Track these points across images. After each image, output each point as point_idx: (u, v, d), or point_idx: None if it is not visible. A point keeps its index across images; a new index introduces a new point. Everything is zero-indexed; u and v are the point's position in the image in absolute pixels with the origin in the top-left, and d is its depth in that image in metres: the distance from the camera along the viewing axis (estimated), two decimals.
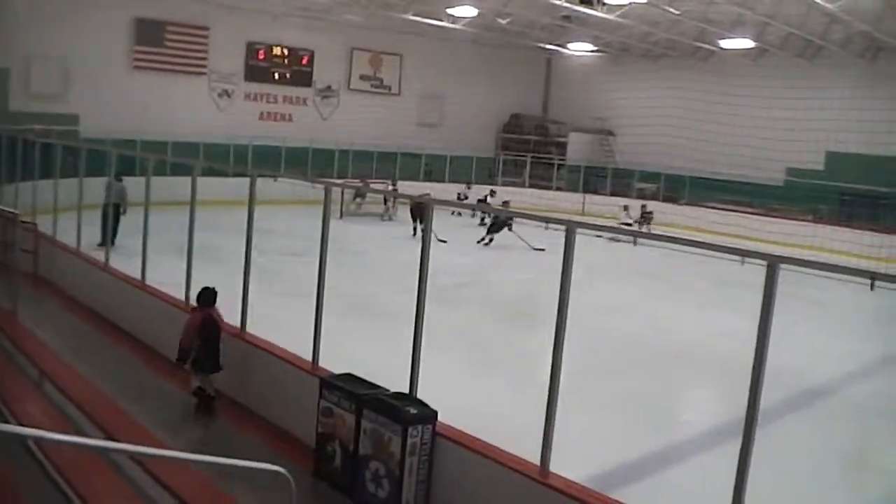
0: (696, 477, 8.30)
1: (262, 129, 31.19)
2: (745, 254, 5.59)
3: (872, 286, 13.28)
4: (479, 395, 9.59)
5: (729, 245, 5.92)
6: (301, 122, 33.06)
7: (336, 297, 8.26)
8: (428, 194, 20.65)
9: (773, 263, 4.85)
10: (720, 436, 9.15)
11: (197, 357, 8.82)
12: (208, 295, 9.02)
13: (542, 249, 19.73)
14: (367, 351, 9.73)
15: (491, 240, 22.89)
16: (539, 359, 5.96)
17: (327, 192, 8.22)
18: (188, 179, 10.49)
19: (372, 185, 26.11)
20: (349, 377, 7.49)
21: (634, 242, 15.68)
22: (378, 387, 7.22)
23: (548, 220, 7.06)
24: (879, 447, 9.96)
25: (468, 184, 30.53)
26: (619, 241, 21.07)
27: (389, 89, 36.12)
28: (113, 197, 16.26)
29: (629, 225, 26.68)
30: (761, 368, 4.94)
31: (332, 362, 8.08)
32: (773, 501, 7.35)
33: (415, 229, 23.12)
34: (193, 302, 9.41)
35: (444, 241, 19.42)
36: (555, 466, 5.95)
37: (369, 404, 6.91)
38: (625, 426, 9.52)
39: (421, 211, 22.78)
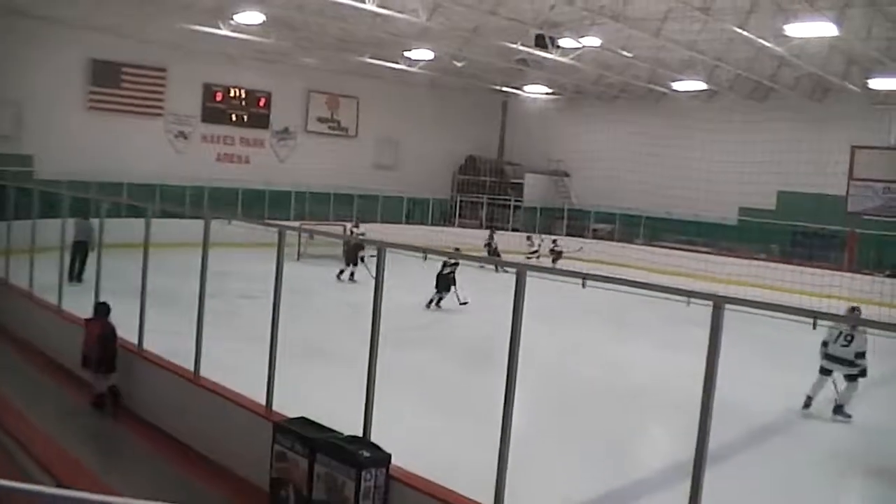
0: None
1: (219, 171, 31.19)
2: (691, 294, 5.69)
3: (814, 325, 13.43)
4: (434, 437, 9.59)
5: (679, 286, 6.03)
6: (258, 163, 33.05)
7: (290, 340, 8.23)
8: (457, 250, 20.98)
9: (718, 304, 4.96)
10: (679, 473, 9.20)
11: (98, 359, 10.18)
12: (104, 308, 10.60)
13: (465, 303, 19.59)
14: (321, 394, 9.69)
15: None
16: (496, 401, 5.97)
17: (281, 236, 8.24)
18: (143, 222, 10.45)
19: (329, 228, 26.17)
20: (303, 421, 7.46)
21: (583, 284, 15.80)
22: (332, 430, 7.20)
23: (499, 263, 7.13)
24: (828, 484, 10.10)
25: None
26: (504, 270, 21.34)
27: (346, 131, 36.32)
28: (81, 235, 17.11)
29: (534, 253, 28.42)
30: (709, 406, 5.02)
31: (287, 406, 8.04)
32: None
33: (341, 271, 23.16)
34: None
35: (466, 303, 19.50)
36: None
37: (323, 448, 6.89)
38: (583, 467, 9.54)
39: (355, 254, 22.79)
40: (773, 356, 16.13)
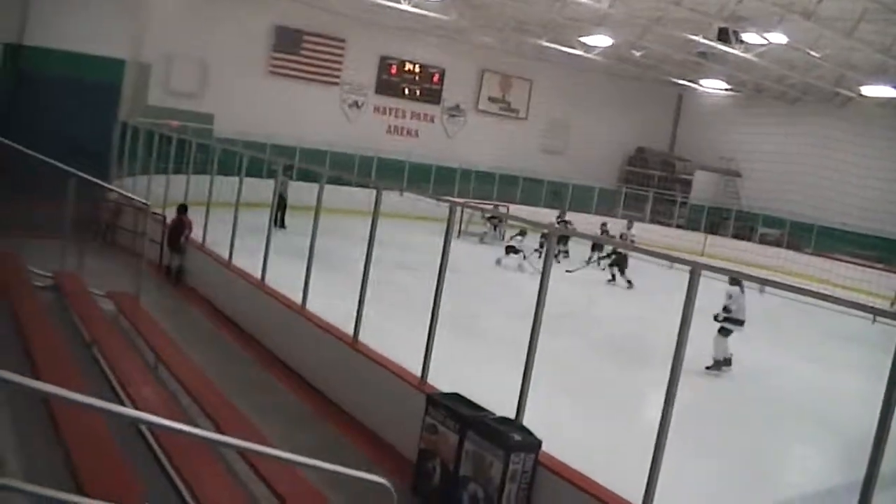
0: None
1: (388, 143, 31.75)
2: (877, 312, 5.37)
3: None
4: (582, 429, 9.46)
5: (859, 301, 5.68)
6: (427, 138, 33.46)
7: (444, 315, 8.26)
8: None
9: None
10: (829, 497, 8.78)
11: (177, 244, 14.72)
12: (183, 208, 14.98)
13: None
14: (472, 372, 9.72)
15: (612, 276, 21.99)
16: (643, 399, 5.80)
17: (452, 211, 8.27)
18: (314, 186, 10.73)
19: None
20: (455, 397, 7.48)
21: (761, 290, 15.22)
22: (484, 409, 7.20)
23: (672, 259, 6.93)
24: None
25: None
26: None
27: (517, 113, 36.17)
28: (282, 190, 18.71)
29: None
30: (884, 434, 4.72)
31: (435, 379, 8.11)
32: None
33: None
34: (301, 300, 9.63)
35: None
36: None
37: (474, 426, 6.89)
38: (729, 477, 9.22)
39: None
40: None
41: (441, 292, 8.15)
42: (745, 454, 10.03)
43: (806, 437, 11.59)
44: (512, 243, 22.04)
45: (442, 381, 8.00)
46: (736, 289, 13.42)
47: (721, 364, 13.41)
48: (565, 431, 7.96)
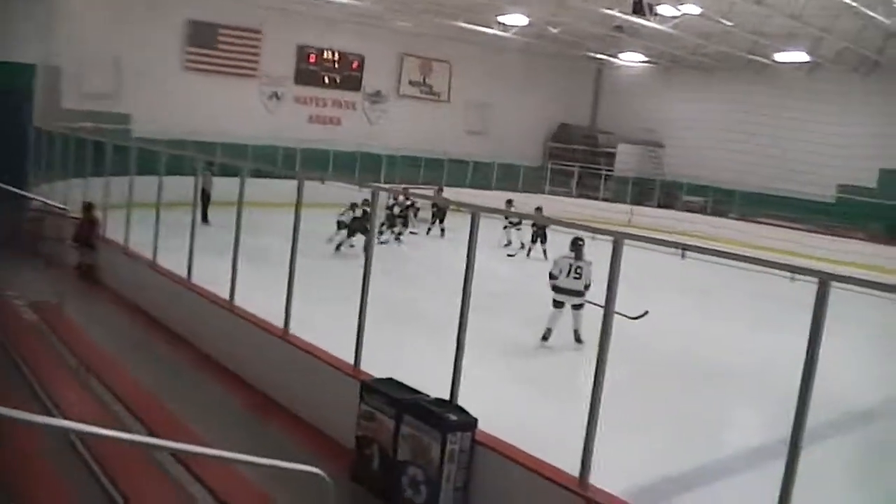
0: (739, 493, 8.18)
1: (310, 133, 31.49)
2: (795, 270, 5.48)
3: None
4: (517, 405, 9.54)
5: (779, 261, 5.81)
6: (350, 126, 33.25)
7: (374, 301, 8.23)
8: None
9: (824, 280, 4.75)
10: (765, 455, 8.98)
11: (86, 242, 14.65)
12: (89, 205, 14.94)
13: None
14: (404, 356, 9.73)
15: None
16: (580, 371, 5.87)
17: (374, 196, 8.23)
18: (236, 180, 10.59)
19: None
20: (390, 381, 7.47)
21: (683, 256, 15.42)
22: (418, 392, 7.20)
23: (594, 231, 7.00)
24: None
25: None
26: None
27: (438, 96, 36.20)
28: (206, 185, 19.70)
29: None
30: (809, 388, 4.83)
31: (370, 366, 8.08)
32: None
33: (429, 229, 24.67)
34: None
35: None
36: (594, 479, 5.87)
37: (410, 409, 6.89)
38: (666, 442, 9.39)
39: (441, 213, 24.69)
40: (876, 340, 15.65)
41: (369, 278, 8.11)
42: (680, 419, 10.24)
43: (734, 397, 11.88)
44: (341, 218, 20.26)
45: (380, 367, 7.95)
46: (565, 259, 13.12)
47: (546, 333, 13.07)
48: (502, 408, 8.00)
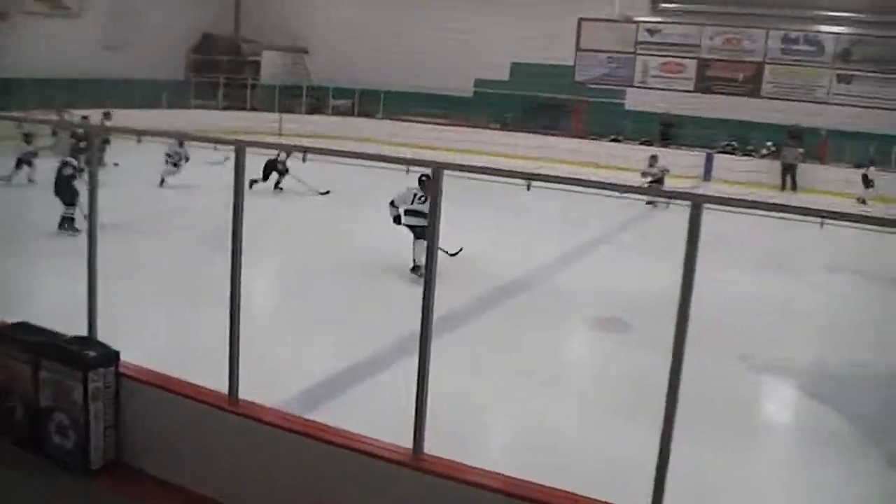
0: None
1: None
2: (410, 163, 5.69)
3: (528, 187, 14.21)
4: (165, 328, 9.29)
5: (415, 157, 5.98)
6: None
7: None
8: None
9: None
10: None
11: None
12: None
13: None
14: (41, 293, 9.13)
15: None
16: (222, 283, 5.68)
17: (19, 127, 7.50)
18: None
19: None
20: (23, 326, 6.95)
21: (304, 159, 15.40)
22: (56, 333, 6.76)
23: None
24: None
25: None
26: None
27: (69, 11, 33.21)
28: None
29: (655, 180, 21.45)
30: (432, 263, 5.02)
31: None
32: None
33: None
34: None
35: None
36: (248, 393, 5.79)
37: (45, 352, 6.45)
38: (323, 345, 9.58)
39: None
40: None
41: None
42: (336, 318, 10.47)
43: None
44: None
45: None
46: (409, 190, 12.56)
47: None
48: (149, 333, 7.75)
